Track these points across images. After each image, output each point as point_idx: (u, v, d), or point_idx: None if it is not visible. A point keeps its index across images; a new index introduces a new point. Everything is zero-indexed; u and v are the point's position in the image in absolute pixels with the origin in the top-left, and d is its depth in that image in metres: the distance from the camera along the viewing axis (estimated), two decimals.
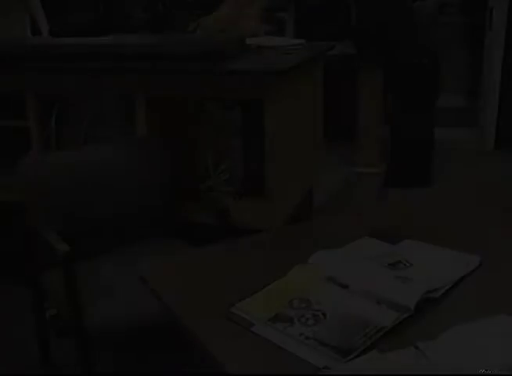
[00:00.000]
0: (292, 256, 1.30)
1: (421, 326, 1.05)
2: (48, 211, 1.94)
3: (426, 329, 1.04)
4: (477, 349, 0.95)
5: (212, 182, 2.39)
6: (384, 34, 3.83)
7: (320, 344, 0.99)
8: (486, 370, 0.90)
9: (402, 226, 1.46)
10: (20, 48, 2.54)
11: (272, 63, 2.46)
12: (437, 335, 0.99)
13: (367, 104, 4.03)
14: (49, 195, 1.98)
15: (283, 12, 4.65)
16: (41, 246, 1.95)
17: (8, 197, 2.51)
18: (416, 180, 3.97)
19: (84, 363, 1.75)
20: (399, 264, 1.25)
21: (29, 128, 2.52)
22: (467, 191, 1.79)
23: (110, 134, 2.53)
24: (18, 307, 2.55)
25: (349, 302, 1.11)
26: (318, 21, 4.44)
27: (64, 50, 2.48)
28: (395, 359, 0.94)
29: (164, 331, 1.57)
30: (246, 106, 2.29)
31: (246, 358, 0.98)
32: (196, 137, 2.44)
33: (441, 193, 1.83)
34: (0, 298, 2.67)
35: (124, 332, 1.76)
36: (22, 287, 2.23)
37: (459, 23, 6.91)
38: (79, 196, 2.04)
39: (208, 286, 1.21)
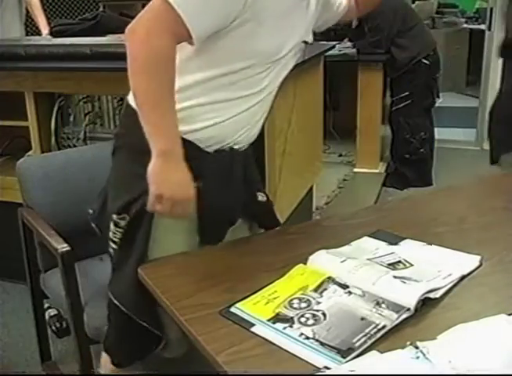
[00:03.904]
0: (292, 256, 1.30)
1: (421, 326, 1.05)
2: (48, 211, 1.94)
3: (426, 329, 1.04)
4: (477, 349, 0.95)
5: None
6: (384, 34, 3.82)
7: (320, 344, 0.99)
8: (486, 370, 0.90)
9: (402, 226, 1.46)
10: (20, 48, 2.53)
11: None
12: (437, 335, 0.99)
13: (367, 104, 4.03)
14: (49, 195, 1.98)
15: None
16: (41, 246, 1.95)
17: (8, 197, 2.51)
18: (416, 180, 3.97)
19: (84, 363, 1.75)
20: (399, 264, 1.25)
21: (29, 128, 2.52)
22: (467, 191, 1.79)
23: (110, 134, 2.53)
24: (18, 307, 2.55)
25: (349, 302, 1.10)
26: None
27: (64, 50, 2.48)
28: (395, 359, 0.94)
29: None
30: None
31: (246, 358, 0.98)
32: None
33: (441, 193, 1.83)
34: (0, 297, 2.67)
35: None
36: (22, 286, 2.23)
37: (459, 23, 6.91)
38: (79, 196, 2.04)
39: (207, 285, 1.21)
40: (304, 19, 1.40)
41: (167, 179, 1.22)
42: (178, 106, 1.28)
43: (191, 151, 1.31)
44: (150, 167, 1.22)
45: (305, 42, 1.45)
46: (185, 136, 1.31)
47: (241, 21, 1.24)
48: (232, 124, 1.36)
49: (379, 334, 1.01)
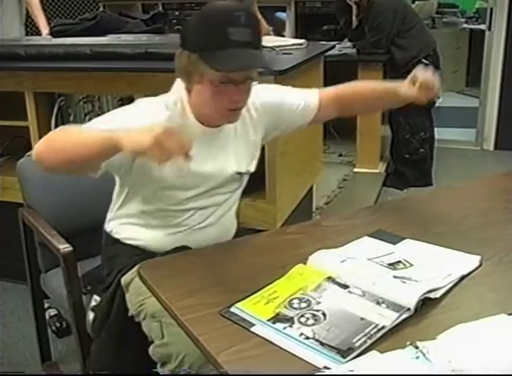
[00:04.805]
0: (292, 256, 1.30)
1: (421, 326, 1.05)
2: (49, 211, 1.94)
3: (426, 329, 1.04)
4: (477, 349, 0.95)
5: None
6: (384, 34, 3.82)
7: (320, 344, 0.99)
8: (486, 370, 0.90)
9: (402, 226, 1.46)
10: (20, 48, 2.54)
11: (272, 63, 2.45)
12: (437, 335, 0.99)
13: None
14: (49, 195, 1.98)
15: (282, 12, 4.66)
16: (41, 246, 1.95)
17: (8, 197, 2.51)
18: (416, 180, 3.97)
19: (84, 363, 1.75)
20: (399, 264, 1.25)
21: (29, 128, 2.52)
22: (467, 191, 1.79)
23: None
24: (18, 307, 2.55)
25: (349, 302, 1.11)
26: (318, 21, 4.44)
27: (64, 50, 2.48)
28: (395, 359, 0.94)
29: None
30: None
31: (246, 358, 0.98)
32: None
33: (441, 193, 1.83)
34: (0, 297, 2.67)
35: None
36: (22, 286, 2.23)
37: (459, 23, 6.91)
38: (79, 196, 2.04)
39: (207, 285, 1.21)
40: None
41: (133, 135, 1.17)
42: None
43: (142, 254, 1.49)
44: (120, 151, 1.20)
45: (240, 173, 1.53)
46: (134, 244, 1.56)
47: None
48: (170, 239, 1.51)
49: (379, 334, 1.01)
